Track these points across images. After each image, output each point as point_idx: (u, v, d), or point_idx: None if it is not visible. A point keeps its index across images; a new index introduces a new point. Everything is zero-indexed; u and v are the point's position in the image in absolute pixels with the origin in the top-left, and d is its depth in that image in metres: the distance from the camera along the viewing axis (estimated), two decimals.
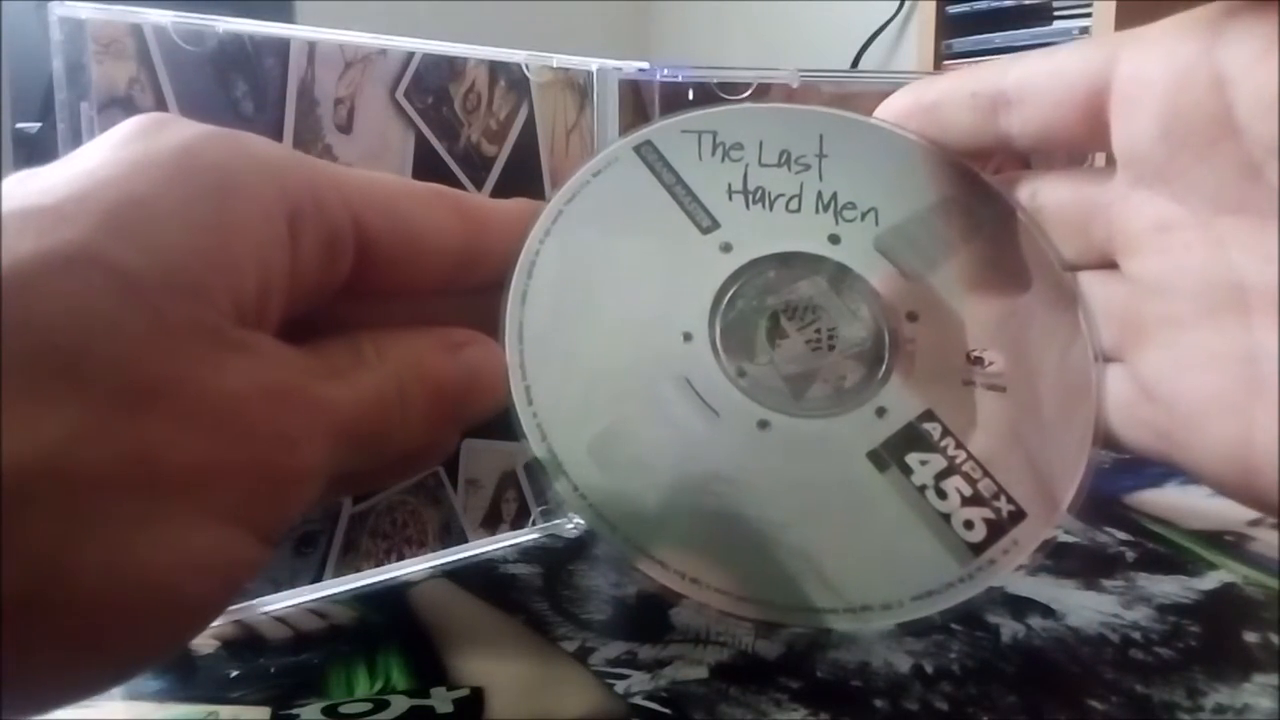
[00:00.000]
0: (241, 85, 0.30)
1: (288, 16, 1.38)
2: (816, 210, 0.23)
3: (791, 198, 0.23)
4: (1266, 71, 0.19)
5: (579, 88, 0.39)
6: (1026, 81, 0.22)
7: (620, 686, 0.27)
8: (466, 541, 0.37)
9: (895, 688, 0.27)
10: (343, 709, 0.26)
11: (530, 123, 0.37)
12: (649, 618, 0.32)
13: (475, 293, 0.21)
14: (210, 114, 0.29)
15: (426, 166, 0.34)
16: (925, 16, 1.63)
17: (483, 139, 0.36)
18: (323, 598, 0.33)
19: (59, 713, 0.16)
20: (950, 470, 0.21)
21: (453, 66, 0.35)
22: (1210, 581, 0.35)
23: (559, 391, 0.21)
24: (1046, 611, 0.32)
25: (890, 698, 0.27)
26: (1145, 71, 0.20)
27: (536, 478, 0.39)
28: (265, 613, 0.32)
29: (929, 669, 0.28)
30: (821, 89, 0.39)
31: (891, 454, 0.21)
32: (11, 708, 0.15)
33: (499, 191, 0.37)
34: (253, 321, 0.17)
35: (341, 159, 0.32)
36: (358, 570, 0.34)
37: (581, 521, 0.27)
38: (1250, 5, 0.19)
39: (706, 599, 0.20)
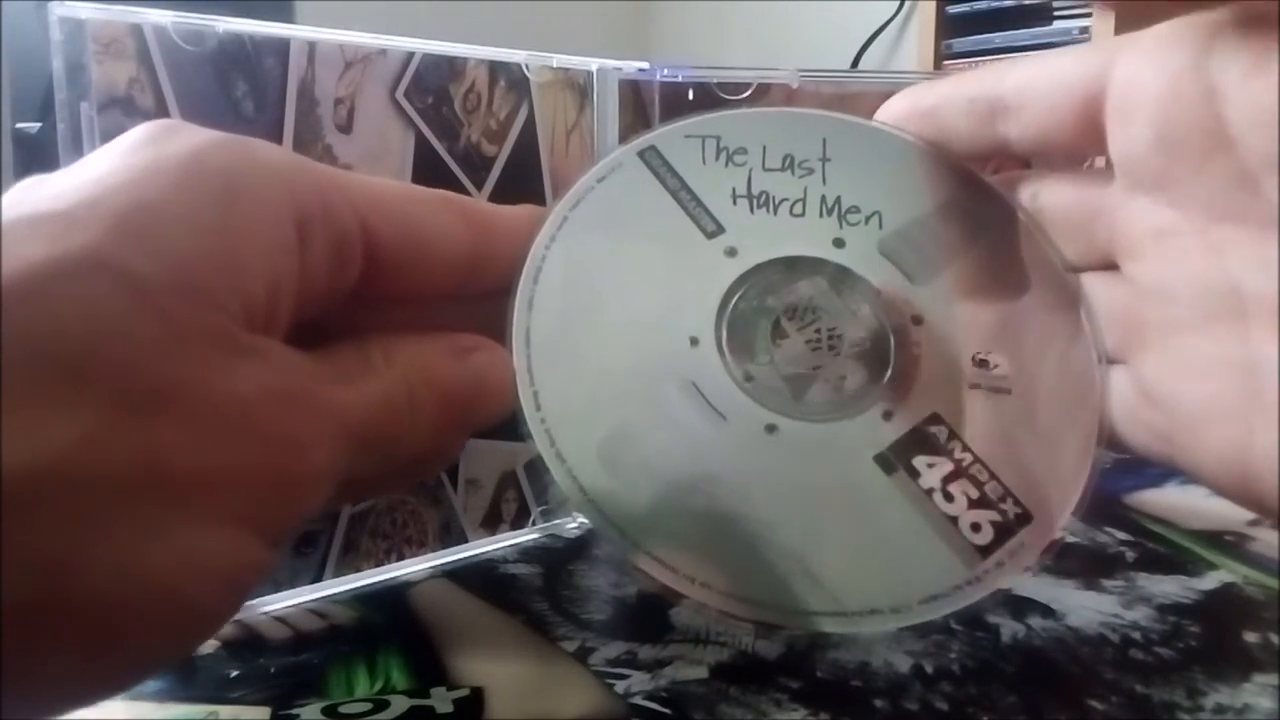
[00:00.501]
0: (241, 85, 0.30)
1: (288, 16, 1.38)
2: (821, 214, 0.23)
3: (795, 202, 0.23)
4: (1260, 86, 0.19)
5: (579, 88, 0.39)
6: (1023, 87, 0.22)
7: (620, 686, 0.27)
8: (466, 541, 0.37)
9: (895, 688, 0.27)
10: (343, 709, 0.26)
11: (530, 123, 0.37)
12: (649, 618, 0.32)
13: (482, 298, 0.21)
14: (210, 114, 0.29)
15: (426, 167, 0.34)
16: (925, 16, 1.62)
17: (483, 139, 0.36)
18: (323, 598, 0.33)
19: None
20: (957, 473, 0.21)
21: (453, 66, 0.35)
22: (1210, 581, 0.35)
23: (566, 396, 0.21)
24: (1046, 611, 0.32)
25: (890, 698, 0.27)
26: (1139, 80, 0.20)
27: (536, 478, 0.39)
28: (265, 613, 0.32)
29: (929, 669, 0.28)
30: (822, 89, 0.39)
31: (899, 457, 0.21)
32: (20, 711, 0.15)
33: (499, 191, 0.37)
34: (261, 326, 0.17)
35: (341, 159, 0.32)
36: (358, 570, 0.34)
37: (588, 524, 0.27)
38: (1240, 18, 0.19)
39: (715, 603, 0.20)
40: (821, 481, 0.21)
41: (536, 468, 0.39)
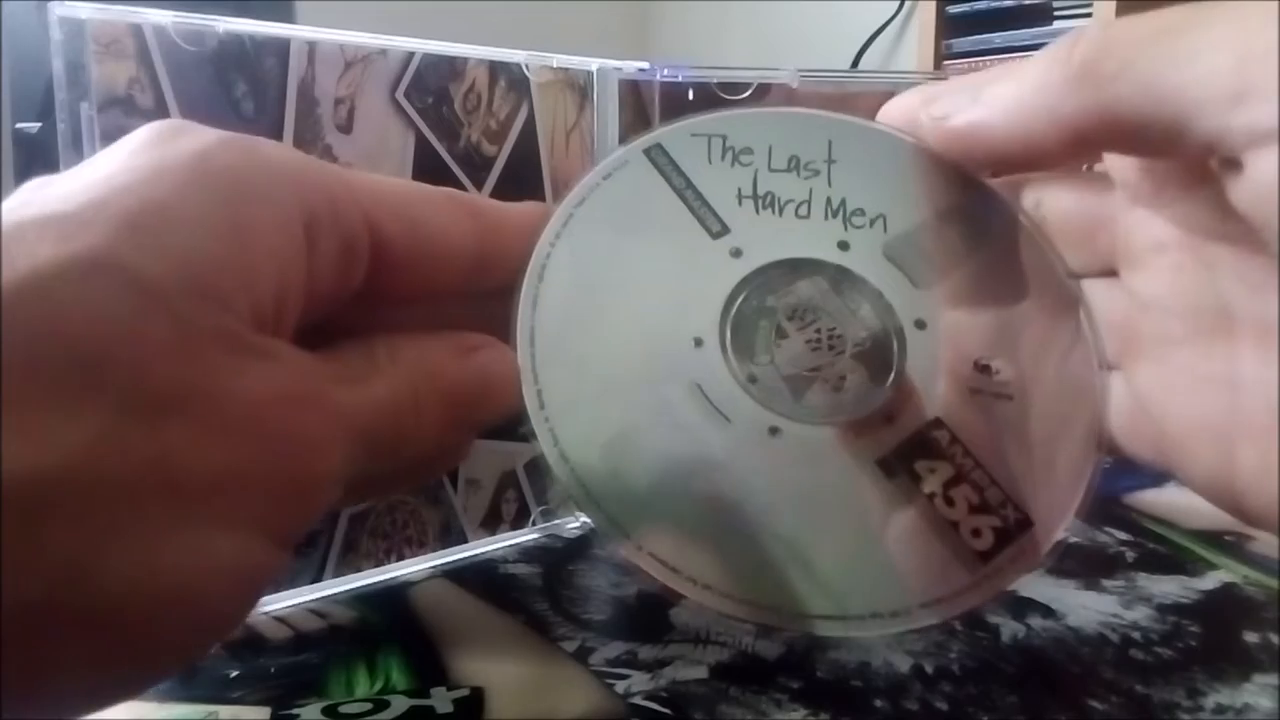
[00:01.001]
0: (241, 85, 0.30)
1: (288, 16, 1.38)
2: (826, 216, 0.22)
3: (801, 203, 0.23)
4: None
5: (579, 88, 0.39)
6: (1009, 115, 0.22)
7: (620, 686, 0.27)
8: (466, 541, 0.37)
9: (895, 688, 0.27)
10: (343, 709, 0.26)
11: (530, 123, 0.37)
12: (649, 618, 0.32)
13: (488, 297, 0.21)
14: (210, 114, 0.29)
15: (426, 167, 0.34)
16: (925, 16, 1.62)
17: (483, 139, 0.36)
18: (323, 598, 0.33)
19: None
20: (958, 478, 0.21)
21: (453, 66, 0.35)
22: (1210, 581, 0.35)
23: (571, 395, 0.21)
24: (1046, 611, 0.32)
25: (890, 698, 0.27)
26: None
27: (537, 478, 0.39)
28: (265, 613, 0.32)
29: (929, 669, 0.28)
30: (822, 89, 0.39)
31: (901, 461, 0.21)
32: (33, 714, 0.15)
33: (499, 191, 0.37)
34: (270, 327, 0.17)
35: (341, 159, 0.32)
36: (358, 570, 0.34)
37: (590, 523, 0.27)
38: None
39: (716, 605, 0.20)
40: (823, 484, 0.21)
41: (536, 468, 0.39)
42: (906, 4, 1.76)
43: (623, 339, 0.22)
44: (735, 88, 0.39)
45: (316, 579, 0.33)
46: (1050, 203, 0.23)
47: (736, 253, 0.22)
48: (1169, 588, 0.34)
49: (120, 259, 0.15)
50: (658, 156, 0.23)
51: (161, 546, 0.15)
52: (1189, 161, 0.19)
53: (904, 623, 0.21)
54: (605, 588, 0.34)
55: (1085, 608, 0.32)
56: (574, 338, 0.21)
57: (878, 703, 0.26)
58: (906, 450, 0.21)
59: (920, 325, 0.22)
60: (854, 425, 0.21)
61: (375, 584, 0.34)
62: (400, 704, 0.26)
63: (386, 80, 0.33)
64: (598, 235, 0.22)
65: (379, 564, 0.35)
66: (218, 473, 0.16)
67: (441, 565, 0.36)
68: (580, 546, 0.38)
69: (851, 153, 0.23)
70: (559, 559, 0.37)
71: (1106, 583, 0.34)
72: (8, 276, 0.14)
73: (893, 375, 0.22)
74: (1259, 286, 0.19)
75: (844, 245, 0.22)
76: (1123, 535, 0.39)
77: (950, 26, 1.60)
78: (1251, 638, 0.30)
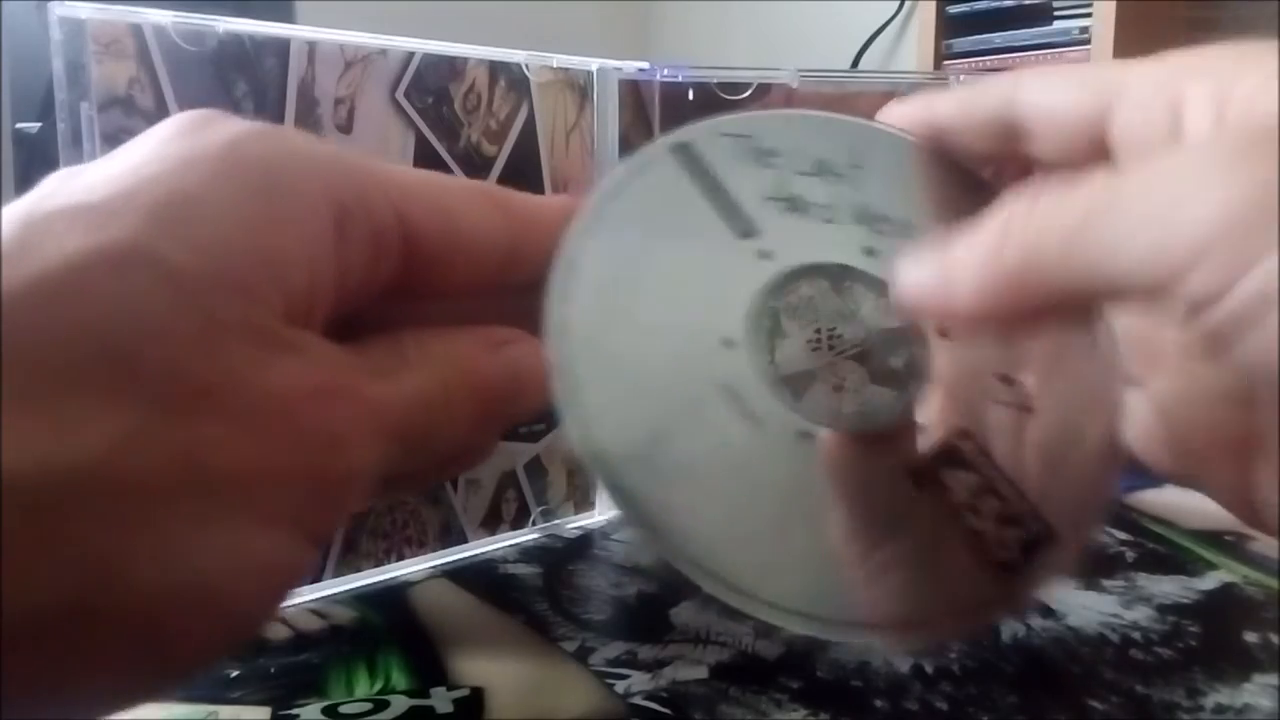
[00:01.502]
0: (241, 85, 0.30)
1: (288, 16, 1.38)
2: (851, 222, 0.22)
3: (827, 208, 0.22)
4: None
5: (579, 88, 0.39)
6: (1035, 115, 0.22)
7: (620, 686, 0.27)
8: (466, 541, 0.37)
9: (895, 688, 0.27)
10: (343, 709, 0.26)
11: (530, 123, 0.37)
12: (649, 618, 0.32)
13: (517, 291, 0.21)
14: None
15: (426, 167, 0.34)
16: (925, 16, 1.62)
17: (483, 139, 0.36)
18: (323, 598, 0.33)
19: None
20: (985, 489, 0.21)
21: (453, 66, 0.35)
22: (1210, 581, 0.35)
23: (602, 393, 0.21)
24: (1046, 611, 0.32)
25: (890, 698, 0.27)
26: (1144, 120, 0.20)
27: (537, 478, 0.39)
28: None
29: (929, 669, 0.28)
30: (822, 89, 0.39)
31: (929, 471, 0.21)
32: (61, 713, 0.14)
33: None
34: (300, 320, 0.17)
35: None
36: (358, 570, 0.34)
37: (620, 519, 0.26)
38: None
39: (747, 608, 0.20)
40: (853, 491, 0.21)
41: (537, 468, 0.39)
42: (906, 4, 1.76)
43: (654, 336, 0.21)
44: (735, 88, 0.39)
45: (316, 579, 0.33)
46: None
47: (765, 254, 0.22)
48: (1169, 588, 0.34)
49: (150, 250, 0.15)
50: (687, 155, 0.22)
51: (192, 545, 0.15)
52: None
53: (932, 633, 0.20)
54: (605, 588, 0.34)
55: (1085, 608, 0.32)
56: (605, 334, 0.21)
57: (878, 703, 0.26)
58: (934, 460, 0.21)
59: (944, 334, 0.22)
60: (883, 433, 0.21)
61: (375, 584, 0.34)
62: (400, 704, 0.26)
63: (386, 80, 0.33)
64: (628, 232, 0.22)
65: (379, 564, 0.35)
66: (249, 469, 0.15)
67: (441, 565, 0.36)
68: (580, 546, 0.38)
69: (876, 158, 0.23)
70: (559, 559, 0.37)
71: (1106, 583, 0.34)
72: (38, 267, 0.14)
73: (918, 385, 0.22)
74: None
75: (870, 251, 0.22)
76: (1123, 535, 0.39)
77: (950, 26, 1.60)
78: (1251, 638, 0.30)
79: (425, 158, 0.34)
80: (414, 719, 0.26)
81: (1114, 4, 1.35)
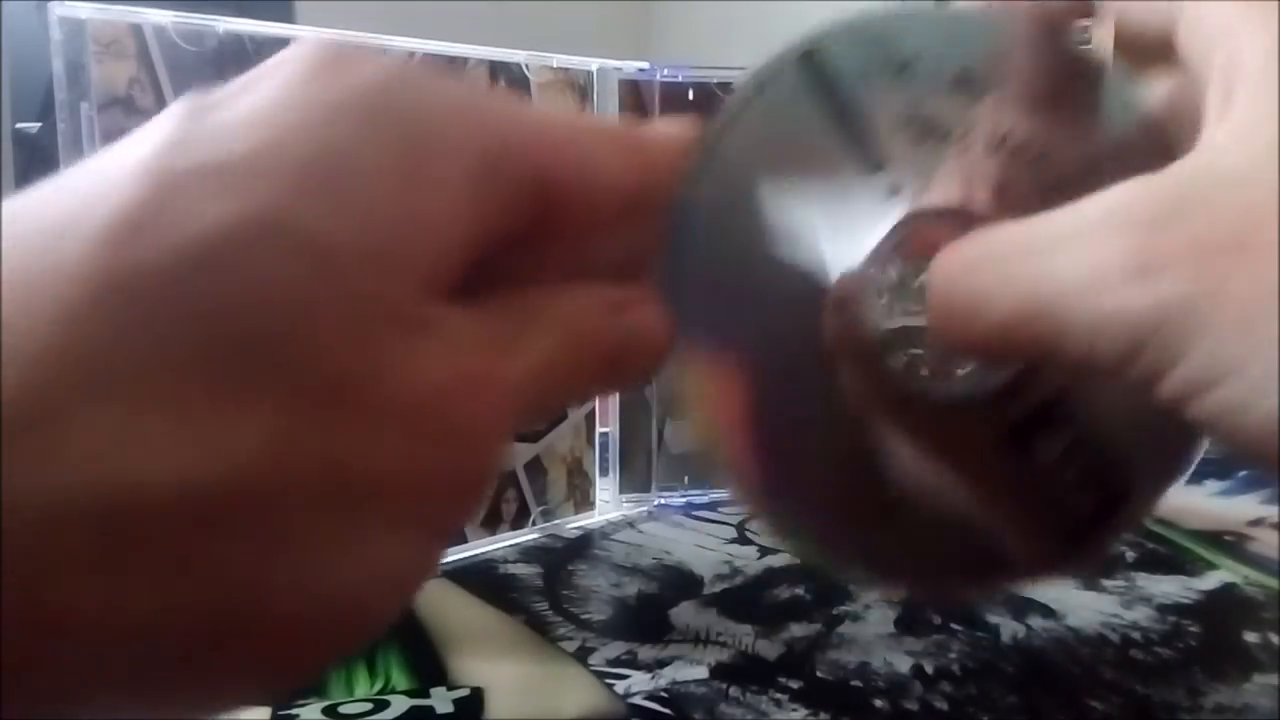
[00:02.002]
0: None
1: (288, 16, 1.38)
2: (987, 152, 0.20)
3: (964, 133, 0.20)
4: None
5: (579, 88, 0.39)
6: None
7: (620, 686, 0.27)
8: (466, 541, 0.37)
9: (895, 688, 0.27)
10: (343, 709, 0.26)
11: None
12: (649, 618, 0.32)
13: (633, 233, 0.19)
14: None
15: None
16: None
17: None
18: None
19: None
20: (1071, 450, 0.21)
21: (453, 66, 0.35)
22: (1210, 581, 0.35)
23: (720, 350, 0.20)
24: (1046, 611, 0.32)
25: (890, 698, 0.27)
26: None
27: (537, 478, 0.39)
28: None
29: (929, 669, 0.28)
30: None
31: (1020, 430, 0.21)
32: (177, 713, 0.14)
33: None
34: (435, 287, 0.15)
35: None
36: None
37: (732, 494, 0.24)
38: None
39: (868, 581, 0.20)
40: (954, 450, 0.21)
41: (537, 468, 0.39)
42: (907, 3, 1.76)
43: (773, 286, 0.20)
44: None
45: None
46: None
47: (894, 190, 0.20)
48: (1169, 588, 0.34)
49: (294, 220, 0.13)
50: (815, 68, 0.20)
51: (331, 557, 0.14)
52: None
53: (1009, 587, 0.20)
54: (605, 588, 0.34)
55: (1085, 608, 0.32)
56: (719, 279, 0.20)
57: (878, 703, 0.26)
58: (1026, 421, 0.21)
59: None
60: (981, 394, 0.21)
61: None
62: (400, 704, 0.26)
63: None
64: (744, 167, 0.20)
65: None
66: (393, 471, 0.14)
67: (442, 565, 0.36)
68: (580, 546, 0.38)
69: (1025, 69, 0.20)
70: (559, 559, 0.37)
71: (1106, 583, 0.34)
72: (173, 240, 0.13)
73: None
74: None
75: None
76: None
77: None
78: (1251, 638, 0.30)
79: None
80: (414, 719, 0.26)
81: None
